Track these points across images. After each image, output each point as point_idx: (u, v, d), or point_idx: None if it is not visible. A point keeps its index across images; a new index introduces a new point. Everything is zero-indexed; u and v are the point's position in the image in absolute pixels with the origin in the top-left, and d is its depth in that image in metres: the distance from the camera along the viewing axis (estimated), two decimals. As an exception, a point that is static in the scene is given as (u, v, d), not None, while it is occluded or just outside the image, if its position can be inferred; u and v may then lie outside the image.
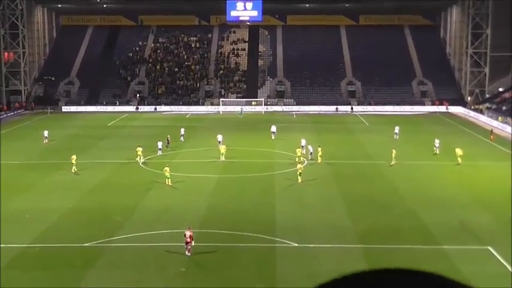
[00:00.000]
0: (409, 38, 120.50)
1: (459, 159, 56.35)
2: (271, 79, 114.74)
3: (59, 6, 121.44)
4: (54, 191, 48.51)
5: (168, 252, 34.32)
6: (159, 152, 61.30)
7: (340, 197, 45.98)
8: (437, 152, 61.85)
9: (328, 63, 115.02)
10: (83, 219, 40.69)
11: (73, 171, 54.35)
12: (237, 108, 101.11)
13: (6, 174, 54.26)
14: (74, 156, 55.28)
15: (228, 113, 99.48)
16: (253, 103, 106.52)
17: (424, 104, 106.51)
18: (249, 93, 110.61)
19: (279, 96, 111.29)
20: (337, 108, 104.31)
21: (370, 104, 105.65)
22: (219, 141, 65.05)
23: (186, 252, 33.62)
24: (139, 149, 58.50)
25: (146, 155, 60.43)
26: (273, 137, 71.76)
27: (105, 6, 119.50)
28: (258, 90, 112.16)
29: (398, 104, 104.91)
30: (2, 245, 35.21)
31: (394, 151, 57.03)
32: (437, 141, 62.95)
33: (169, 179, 49.07)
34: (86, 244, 35.37)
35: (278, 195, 46.95)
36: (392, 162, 56.35)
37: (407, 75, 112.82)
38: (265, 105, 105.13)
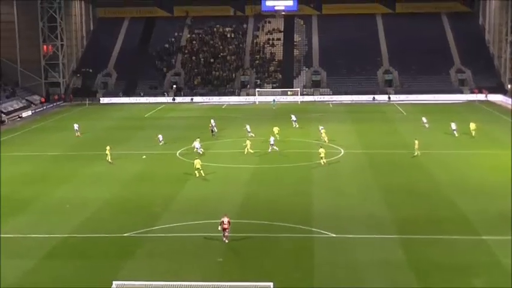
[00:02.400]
0: (446, 26, 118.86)
1: (473, 133, 61.12)
2: (306, 69, 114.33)
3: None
4: (94, 181, 49.17)
5: (205, 242, 34.58)
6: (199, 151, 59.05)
7: (377, 187, 45.75)
8: (456, 135, 64.10)
9: (364, 52, 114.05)
10: (121, 210, 41.23)
11: (109, 161, 55.12)
12: (272, 98, 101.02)
13: (46, 166, 55.27)
14: (108, 147, 56.09)
15: (264, 103, 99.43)
16: (289, 93, 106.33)
17: (462, 93, 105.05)
18: (285, 83, 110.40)
19: (314, 85, 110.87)
20: (374, 98, 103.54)
21: (407, 93, 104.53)
22: (248, 131, 66.15)
23: (224, 239, 34.13)
24: (197, 140, 58.95)
25: (181, 146, 60.90)
26: (295, 125, 72.09)
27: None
28: (294, 80, 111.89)
29: (436, 93, 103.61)
30: (43, 235, 35.92)
31: (416, 142, 56.14)
32: (453, 125, 64.94)
33: (201, 171, 48.98)
34: (124, 234, 35.84)
35: (315, 184, 46.90)
36: (416, 153, 55.61)
37: (445, 64, 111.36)
38: (301, 95, 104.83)
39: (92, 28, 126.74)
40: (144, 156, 40.97)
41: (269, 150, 58.01)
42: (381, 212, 39.53)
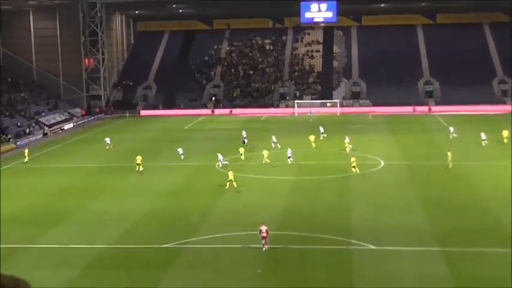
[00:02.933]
0: (488, 36, 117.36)
1: (505, 141, 60.84)
2: (346, 80, 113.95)
3: (136, 12, 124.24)
4: (132, 193, 49.61)
5: (244, 254, 34.59)
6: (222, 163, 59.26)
7: (418, 199, 45.25)
8: (483, 144, 64.28)
9: (404, 63, 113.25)
10: (160, 221, 41.50)
11: (138, 170, 55.99)
12: (313, 110, 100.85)
13: (86, 177, 56.01)
14: (139, 157, 56.83)
15: (303, 115, 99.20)
16: (328, 104, 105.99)
17: (505, 103, 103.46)
18: (324, 94, 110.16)
19: (354, 97, 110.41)
20: (414, 109, 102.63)
21: (448, 104, 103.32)
22: (274, 142, 67.04)
23: (263, 247, 34.37)
24: (241, 150, 60.57)
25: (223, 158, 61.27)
26: (321, 137, 71.59)
27: (180, 11, 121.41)
28: (333, 92, 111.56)
29: (478, 104, 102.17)
30: (84, 246, 36.38)
31: (449, 153, 55.13)
32: (483, 135, 65.29)
33: (234, 182, 48.86)
34: (164, 245, 36.04)
35: (354, 197, 46.59)
36: (450, 165, 54.64)
37: (488, 74, 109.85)
38: (340, 106, 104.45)
39: (132, 41, 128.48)
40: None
41: (289, 162, 58.04)
42: (422, 224, 39.03)
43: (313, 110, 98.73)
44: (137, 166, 56.35)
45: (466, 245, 35.05)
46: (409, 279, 30.62)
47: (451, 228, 37.99)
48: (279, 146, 65.60)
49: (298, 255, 34.36)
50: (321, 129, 74.17)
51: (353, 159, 53.53)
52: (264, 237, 34.31)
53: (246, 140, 69.10)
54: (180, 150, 61.63)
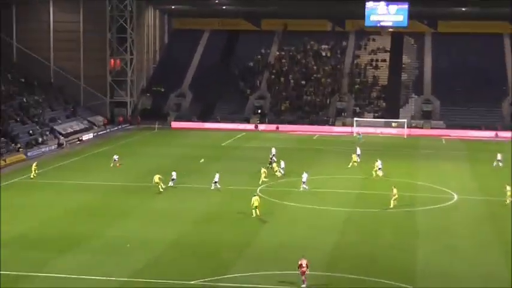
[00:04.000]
0: None
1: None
2: (416, 96, 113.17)
3: (172, 7, 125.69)
4: (158, 218, 49.88)
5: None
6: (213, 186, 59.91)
7: (497, 242, 44.56)
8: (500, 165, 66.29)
9: (487, 78, 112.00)
10: (188, 253, 41.55)
11: (159, 190, 57.36)
12: (377, 131, 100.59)
13: (106, 197, 56.56)
14: (158, 175, 58.26)
15: (364, 135, 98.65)
16: (393, 124, 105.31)
17: None
18: (389, 112, 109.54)
19: (425, 117, 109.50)
20: (496, 134, 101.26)
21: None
22: (272, 155, 70.11)
23: (303, 284, 34.83)
24: (264, 171, 62.13)
25: (264, 182, 61.30)
26: (357, 159, 71.35)
27: (224, 8, 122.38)
28: (400, 110, 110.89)
29: None
30: (99, 277, 36.61)
31: (508, 187, 55.03)
32: (499, 156, 67.75)
33: (258, 210, 49.42)
34: (191, 282, 36.04)
35: (420, 236, 46.10)
36: (508, 201, 54.43)
37: None
38: (408, 127, 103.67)
39: (166, 41, 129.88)
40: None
41: (301, 189, 59.12)
42: (500, 272, 38.43)
43: (377, 130, 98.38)
44: (158, 185, 57.79)
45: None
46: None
47: (537, 280, 37.25)
48: (280, 172, 65.75)
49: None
50: (358, 151, 74.18)
51: (395, 190, 53.12)
52: (303, 272, 35.06)
53: (274, 159, 69.28)
54: (174, 174, 60.83)
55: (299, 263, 35.22)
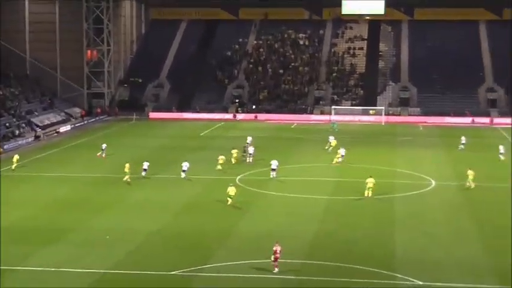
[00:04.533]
0: None
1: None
2: (393, 84, 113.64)
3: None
4: (138, 210, 49.86)
5: (265, 285, 34.57)
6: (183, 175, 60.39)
7: (474, 227, 44.97)
8: (503, 158, 66.94)
9: (463, 65, 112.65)
10: (169, 244, 41.61)
11: (125, 180, 57.56)
12: (355, 118, 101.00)
13: (85, 190, 56.38)
14: (128, 165, 58.51)
15: (342, 123, 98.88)
16: (371, 112, 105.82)
17: None
18: (367, 100, 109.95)
19: (402, 104, 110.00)
20: (473, 120, 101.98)
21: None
22: (247, 144, 70.86)
23: (276, 269, 35.42)
24: (222, 158, 62.96)
25: (242, 171, 61.45)
26: (328, 149, 71.89)
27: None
28: (378, 97, 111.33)
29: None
30: (79, 270, 36.57)
31: (470, 172, 56.10)
32: (501, 148, 68.49)
33: (231, 200, 49.80)
34: (172, 272, 36.12)
35: (399, 222, 46.42)
36: (472, 185, 55.65)
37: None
38: (385, 114, 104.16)
39: (143, 31, 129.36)
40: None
41: (270, 176, 59.61)
42: (478, 257, 38.81)
43: (355, 118, 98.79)
44: (125, 174, 58.17)
45: (532, 284, 34.72)
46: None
47: (513, 263, 37.68)
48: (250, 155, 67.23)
49: (331, 289, 34.38)
50: (331, 139, 74.98)
51: (370, 179, 52.74)
52: (277, 259, 35.68)
53: (249, 149, 68.78)
54: (145, 165, 60.46)
55: (274, 249, 35.65)
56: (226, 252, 39.62)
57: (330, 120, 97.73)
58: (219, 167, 62.87)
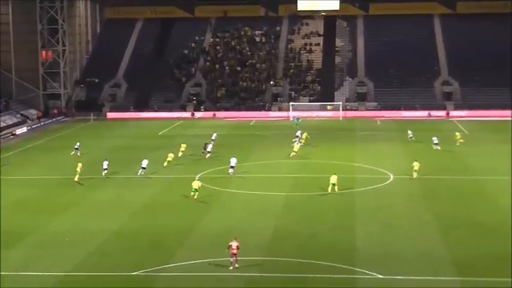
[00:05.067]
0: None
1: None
2: (350, 79, 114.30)
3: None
4: (98, 211, 49.52)
5: (226, 283, 34.56)
6: (142, 172, 60.71)
7: (433, 219, 45.39)
8: (438, 148, 69.61)
9: (419, 59, 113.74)
10: (130, 244, 41.36)
11: (77, 181, 57.62)
12: (313, 114, 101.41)
13: (43, 192, 55.79)
14: (80, 164, 59.00)
15: (301, 118, 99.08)
16: (328, 107, 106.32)
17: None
18: (324, 96, 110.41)
19: (359, 99, 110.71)
20: (429, 113, 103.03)
21: (469, 108, 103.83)
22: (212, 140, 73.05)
23: (235, 264, 35.61)
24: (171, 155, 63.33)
25: (201, 169, 61.35)
26: (297, 145, 71.44)
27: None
28: (335, 93, 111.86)
29: (505, 108, 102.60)
30: (39, 273, 36.18)
31: (416, 163, 57.94)
32: (435, 139, 71.36)
33: (196, 194, 50.66)
34: (133, 273, 35.92)
35: (358, 216, 46.70)
36: (414, 176, 57.07)
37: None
38: (343, 109, 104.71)
39: (98, 31, 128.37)
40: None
41: (229, 173, 60.08)
42: (438, 249, 39.17)
43: (313, 114, 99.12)
44: (76, 174, 58.37)
45: (491, 274, 35.11)
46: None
47: (472, 254, 38.07)
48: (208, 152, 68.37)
49: (293, 285, 34.34)
50: (298, 133, 76.24)
51: (334, 176, 53.02)
52: (234, 254, 35.63)
53: (209, 147, 69.48)
54: (105, 164, 60.86)
55: (229, 244, 35.78)
56: (187, 251, 39.50)
57: (293, 117, 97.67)
58: (165, 163, 63.30)
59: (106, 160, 61.23)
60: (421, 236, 41.93)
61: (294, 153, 67.04)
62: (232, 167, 59.89)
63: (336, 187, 52.56)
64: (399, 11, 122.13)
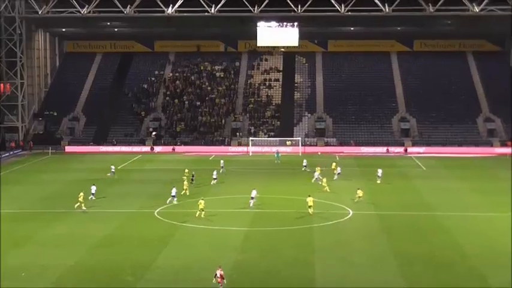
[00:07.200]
0: (472, 67, 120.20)
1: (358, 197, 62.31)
2: (309, 115, 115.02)
3: (63, 30, 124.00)
4: (55, 245, 48.81)
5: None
6: (174, 200, 61.57)
7: (392, 255, 45.56)
8: (379, 181, 72.47)
9: (377, 96, 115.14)
10: (87, 279, 40.80)
11: (82, 209, 58.41)
12: (272, 149, 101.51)
13: (1, 226, 54.86)
14: (82, 194, 59.50)
15: (259, 154, 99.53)
16: (288, 143, 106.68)
17: (492, 145, 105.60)
18: (284, 131, 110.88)
19: (318, 134, 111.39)
20: (387, 149, 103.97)
21: (427, 144, 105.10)
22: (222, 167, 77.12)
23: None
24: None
25: (159, 204, 61.04)
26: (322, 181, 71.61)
27: (116, 30, 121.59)
28: (294, 128, 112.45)
29: (460, 145, 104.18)
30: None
31: (359, 191, 62.45)
32: (379, 171, 73.59)
33: (203, 212, 54.39)
34: (90, 308, 35.48)
35: (318, 252, 46.65)
36: (356, 200, 61.96)
37: (472, 111, 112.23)
38: (302, 145, 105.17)
39: (58, 64, 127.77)
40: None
41: (250, 205, 60.43)
42: (397, 283, 39.30)
43: (272, 149, 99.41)
44: (80, 204, 59.16)
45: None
46: None
47: (430, 289, 38.31)
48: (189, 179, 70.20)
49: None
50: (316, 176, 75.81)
51: (310, 198, 56.84)
52: (219, 282, 37.07)
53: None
54: (93, 189, 63.82)
55: (215, 272, 37.14)
56: (146, 286, 39.10)
57: (276, 151, 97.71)
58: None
59: (94, 185, 64.29)
60: (379, 271, 42.00)
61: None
62: (252, 198, 60.79)
63: (311, 208, 56.19)
64: (357, 48, 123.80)
